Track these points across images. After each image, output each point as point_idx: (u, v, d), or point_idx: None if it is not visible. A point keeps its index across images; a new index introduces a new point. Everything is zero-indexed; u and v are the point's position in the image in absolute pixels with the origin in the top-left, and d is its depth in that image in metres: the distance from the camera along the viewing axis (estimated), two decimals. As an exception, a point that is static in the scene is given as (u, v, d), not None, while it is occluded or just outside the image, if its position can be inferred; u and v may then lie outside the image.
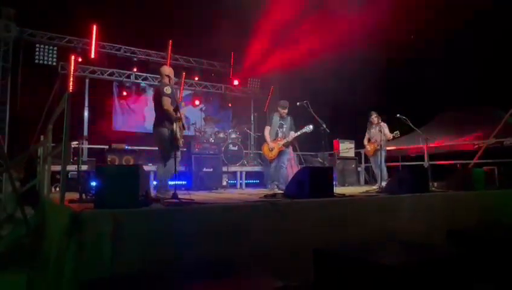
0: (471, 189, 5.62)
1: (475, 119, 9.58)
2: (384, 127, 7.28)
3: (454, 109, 10.92)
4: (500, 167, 6.85)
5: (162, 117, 4.77)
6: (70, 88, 9.26)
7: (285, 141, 6.43)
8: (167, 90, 4.74)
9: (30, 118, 9.08)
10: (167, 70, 5.08)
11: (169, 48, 10.84)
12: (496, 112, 9.32)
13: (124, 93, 10.55)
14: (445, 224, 4.49)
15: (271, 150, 6.47)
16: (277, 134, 6.54)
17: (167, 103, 4.68)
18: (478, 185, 5.78)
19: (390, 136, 7.18)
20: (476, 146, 8.12)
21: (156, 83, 10.95)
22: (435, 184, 6.61)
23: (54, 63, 9.55)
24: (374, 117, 7.47)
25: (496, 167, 6.83)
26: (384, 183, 7.07)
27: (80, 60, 9.81)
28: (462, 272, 3.04)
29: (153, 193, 4.63)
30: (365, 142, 7.75)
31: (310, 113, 6.20)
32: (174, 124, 4.69)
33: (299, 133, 6.41)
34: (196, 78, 11.58)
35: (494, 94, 9.79)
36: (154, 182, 7.61)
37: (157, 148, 5.07)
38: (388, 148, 9.06)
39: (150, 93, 11.08)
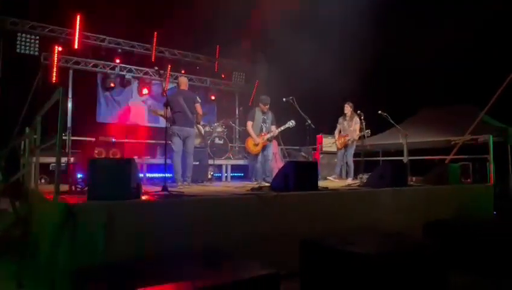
0: (448, 183, 5.90)
1: (453, 116, 9.91)
2: (356, 123, 7.30)
3: (433, 106, 11.27)
4: (475, 163, 7.18)
5: (193, 119, 5.98)
6: (54, 79, 9.11)
7: (269, 135, 6.64)
8: (199, 98, 6.13)
9: (11, 109, 8.90)
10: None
11: (154, 39, 10.79)
12: (472, 110, 9.67)
13: (109, 85, 10.42)
14: (422, 216, 4.74)
15: (256, 144, 6.62)
16: (261, 129, 6.68)
17: (200, 108, 6.11)
18: (454, 180, 6.07)
19: (357, 134, 7.23)
20: (453, 142, 8.43)
21: (141, 75, 10.90)
22: (414, 179, 6.88)
23: (36, 53, 9.35)
24: (348, 109, 7.48)
25: (471, 163, 7.16)
26: (350, 179, 7.22)
27: (61, 49, 9.59)
28: (437, 262, 3.25)
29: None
30: (336, 134, 7.70)
31: (296, 109, 6.36)
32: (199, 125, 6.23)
33: (282, 128, 6.66)
34: (182, 72, 11.56)
35: (471, 92, 10.16)
36: (141, 175, 7.67)
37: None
38: (370, 143, 9.28)
39: (135, 85, 11.03)
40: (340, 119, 7.72)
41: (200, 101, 6.12)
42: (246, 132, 6.89)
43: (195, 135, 6.10)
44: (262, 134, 6.67)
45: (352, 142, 7.38)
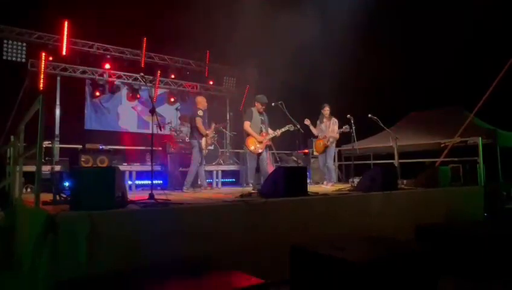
0: (438, 186, 5.90)
1: (442, 119, 9.97)
2: (334, 124, 7.09)
3: (422, 109, 11.34)
4: (465, 165, 7.21)
5: (195, 132, 6.58)
6: (41, 86, 8.99)
7: (271, 135, 6.35)
8: (200, 112, 6.65)
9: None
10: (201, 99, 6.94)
11: (144, 45, 10.71)
12: (461, 113, 9.75)
13: (97, 91, 10.31)
14: (413, 220, 4.72)
15: (260, 142, 6.21)
16: (261, 130, 6.31)
17: (199, 122, 6.56)
18: (444, 182, 6.07)
19: (337, 134, 7.04)
20: (443, 145, 8.46)
21: (131, 81, 10.80)
22: (405, 182, 6.87)
23: (23, 60, 9.22)
24: (327, 110, 7.24)
25: (461, 165, 7.18)
26: (330, 185, 6.88)
27: (50, 58, 9.50)
28: (428, 267, 3.22)
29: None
30: (314, 131, 7.35)
31: (285, 113, 6.31)
32: (203, 138, 6.64)
33: (283, 130, 6.37)
34: (172, 77, 11.49)
35: (460, 95, 10.26)
36: (129, 182, 7.58)
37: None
38: (361, 146, 9.26)
39: (124, 92, 10.93)
40: (318, 122, 7.42)
41: (200, 115, 6.64)
42: (244, 133, 6.34)
43: (197, 146, 6.58)
44: (263, 134, 6.29)
45: (332, 142, 7.12)
